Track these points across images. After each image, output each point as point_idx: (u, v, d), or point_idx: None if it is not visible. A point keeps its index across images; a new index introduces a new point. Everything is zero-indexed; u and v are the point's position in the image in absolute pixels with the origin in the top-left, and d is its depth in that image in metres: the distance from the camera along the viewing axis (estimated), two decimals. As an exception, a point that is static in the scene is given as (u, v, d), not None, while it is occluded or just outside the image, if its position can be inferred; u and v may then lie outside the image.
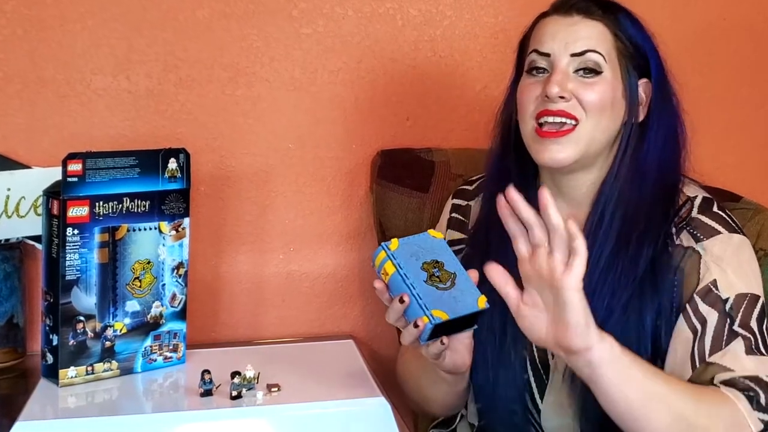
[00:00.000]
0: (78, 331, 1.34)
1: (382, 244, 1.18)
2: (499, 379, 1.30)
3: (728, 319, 1.20)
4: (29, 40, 1.56)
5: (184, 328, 1.44)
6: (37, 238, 1.50)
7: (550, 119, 1.24)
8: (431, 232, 1.21)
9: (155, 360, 1.42)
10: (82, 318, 1.34)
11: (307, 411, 1.28)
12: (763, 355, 1.18)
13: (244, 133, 1.65)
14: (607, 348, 1.09)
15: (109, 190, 1.33)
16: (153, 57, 1.60)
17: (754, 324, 1.20)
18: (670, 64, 1.31)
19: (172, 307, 1.43)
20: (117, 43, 1.59)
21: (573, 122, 1.23)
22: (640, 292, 1.23)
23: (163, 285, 1.41)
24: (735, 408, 1.13)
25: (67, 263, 1.31)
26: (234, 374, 1.28)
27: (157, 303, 1.41)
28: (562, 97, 1.23)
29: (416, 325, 1.13)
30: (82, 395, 1.32)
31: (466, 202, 1.44)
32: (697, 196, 1.29)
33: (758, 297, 1.22)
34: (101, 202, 1.33)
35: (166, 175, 1.39)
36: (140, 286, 1.39)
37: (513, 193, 1.08)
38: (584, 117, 1.24)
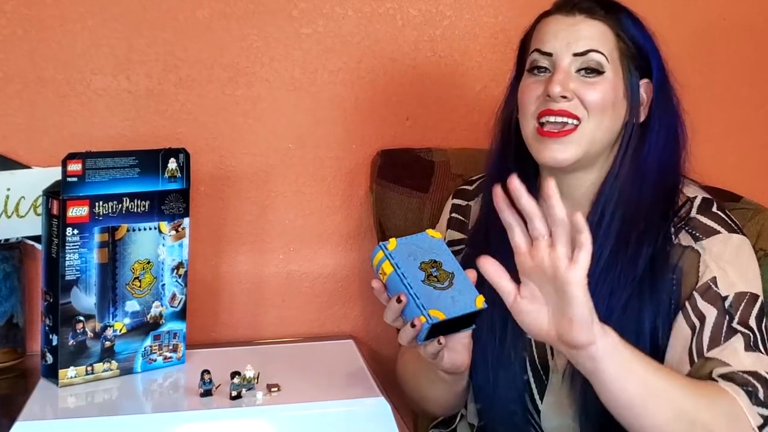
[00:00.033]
0: (78, 331, 1.34)
1: (380, 243, 1.17)
2: (499, 380, 1.30)
3: (727, 316, 1.19)
4: (29, 40, 1.56)
5: (183, 328, 1.44)
6: (36, 238, 1.50)
7: (552, 119, 1.24)
8: (429, 231, 1.21)
9: (155, 360, 1.42)
10: (81, 318, 1.34)
11: (307, 411, 1.28)
12: (762, 353, 1.18)
13: (244, 133, 1.65)
14: (609, 342, 1.08)
15: (108, 190, 1.33)
16: (153, 57, 1.60)
17: (753, 322, 1.20)
18: (670, 64, 1.31)
19: (171, 307, 1.43)
20: (117, 43, 1.59)
21: (575, 122, 1.23)
22: (639, 292, 1.23)
23: (163, 285, 1.41)
24: (734, 403, 1.12)
25: (67, 263, 1.31)
26: (234, 374, 1.28)
27: (156, 303, 1.41)
28: (564, 97, 1.23)
29: (413, 325, 1.13)
30: (81, 395, 1.32)
31: (466, 202, 1.44)
32: (696, 196, 1.29)
33: (757, 296, 1.22)
34: (101, 202, 1.33)
35: (166, 175, 1.39)
36: (140, 286, 1.39)
37: (516, 182, 1.06)
38: (586, 117, 1.24)
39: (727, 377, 1.15)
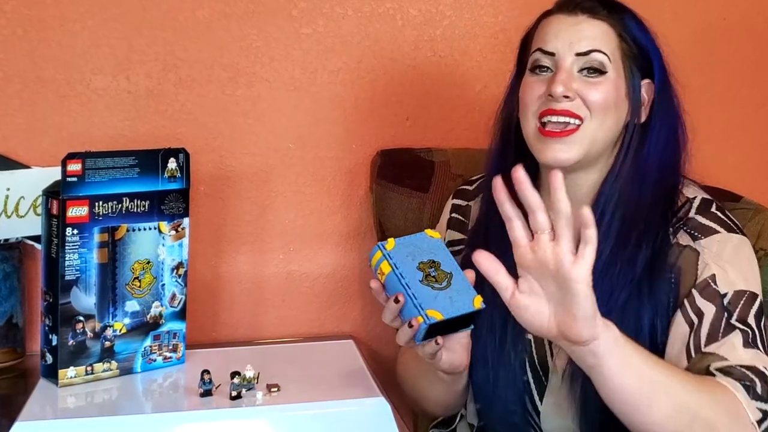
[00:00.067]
0: (77, 331, 1.34)
1: (379, 243, 1.17)
2: (499, 380, 1.30)
3: (726, 313, 1.19)
4: (29, 40, 1.56)
5: (183, 328, 1.44)
6: (36, 238, 1.50)
7: (554, 119, 1.23)
8: (428, 231, 1.21)
9: (155, 360, 1.42)
10: (81, 318, 1.34)
11: (306, 411, 1.28)
12: (760, 350, 1.18)
13: (244, 133, 1.65)
14: (611, 336, 1.07)
15: (108, 190, 1.33)
16: (153, 57, 1.60)
17: (752, 320, 1.20)
18: (670, 64, 1.31)
19: (171, 307, 1.43)
20: (117, 43, 1.59)
21: (577, 122, 1.23)
22: (637, 292, 1.23)
23: (163, 285, 1.41)
24: (733, 398, 1.12)
25: (67, 263, 1.31)
26: (234, 374, 1.28)
27: (156, 303, 1.41)
28: (566, 97, 1.23)
29: (411, 325, 1.13)
30: (81, 395, 1.32)
31: (466, 203, 1.44)
32: (696, 197, 1.29)
33: (756, 295, 1.22)
34: (101, 202, 1.33)
35: (166, 175, 1.39)
36: (140, 286, 1.39)
37: (521, 172, 1.03)
38: (588, 117, 1.24)
39: (725, 371, 1.14)
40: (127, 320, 1.38)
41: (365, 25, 1.67)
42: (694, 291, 1.21)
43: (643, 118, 1.28)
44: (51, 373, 1.34)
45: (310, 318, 1.72)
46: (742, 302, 1.20)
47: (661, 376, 1.11)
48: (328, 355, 1.56)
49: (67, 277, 1.32)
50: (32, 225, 1.51)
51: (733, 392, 1.12)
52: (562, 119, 1.23)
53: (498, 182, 1.04)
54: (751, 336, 1.18)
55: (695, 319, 1.20)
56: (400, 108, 1.71)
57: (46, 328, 1.35)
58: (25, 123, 1.57)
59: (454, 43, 1.71)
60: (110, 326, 1.37)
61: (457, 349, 1.22)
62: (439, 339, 1.16)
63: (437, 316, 1.12)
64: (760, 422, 1.12)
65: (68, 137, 1.57)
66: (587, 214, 1.01)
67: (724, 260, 1.23)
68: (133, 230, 1.37)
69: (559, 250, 1.02)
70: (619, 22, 1.26)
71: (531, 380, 1.30)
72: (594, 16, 1.25)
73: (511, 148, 1.32)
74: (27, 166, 1.55)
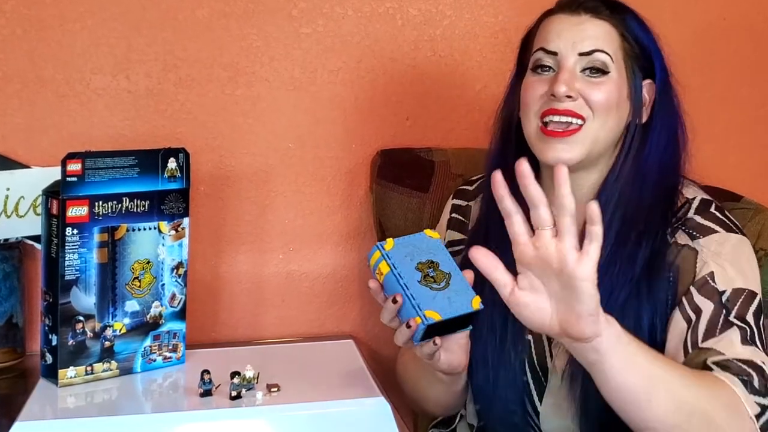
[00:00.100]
0: (77, 331, 1.34)
1: (377, 243, 1.17)
2: (499, 380, 1.29)
3: (724, 310, 1.19)
4: (29, 40, 1.56)
5: (183, 328, 1.44)
6: (36, 238, 1.50)
7: (556, 118, 1.23)
8: (427, 232, 1.21)
9: (155, 360, 1.42)
10: (81, 318, 1.34)
11: (306, 411, 1.28)
12: (758, 348, 1.18)
13: (243, 133, 1.65)
14: (613, 333, 1.06)
15: (108, 190, 1.33)
16: (152, 56, 1.60)
17: (750, 318, 1.19)
18: (671, 64, 1.31)
19: (171, 307, 1.43)
20: (116, 42, 1.59)
21: (580, 122, 1.23)
22: (637, 291, 1.22)
23: (163, 285, 1.41)
24: (731, 392, 1.12)
25: (67, 263, 1.31)
26: (233, 374, 1.28)
27: (156, 303, 1.41)
28: (569, 97, 1.22)
29: (409, 326, 1.13)
30: (81, 395, 1.32)
31: (466, 203, 1.44)
32: (695, 197, 1.29)
33: (755, 294, 1.22)
34: (100, 202, 1.33)
35: (166, 174, 1.39)
36: (140, 286, 1.39)
37: (525, 165, 1.00)
38: (591, 117, 1.23)
39: (722, 365, 1.14)
40: (126, 320, 1.38)
41: (365, 25, 1.67)
42: (692, 288, 1.21)
43: (644, 119, 1.28)
44: (51, 373, 1.34)
45: (310, 318, 1.72)
46: (740, 300, 1.20)
47: (661, 371, 1.10)
48: (328, 355, 1.56)
49: (67, 277, 1.32)
50: (32, 225, 1.51)
51: (731, 387, 1.12)
52: (564, 119, 1.23)
53: (498, 177, 1.02)
54: (749, 333, 1.18)
55: (693, 316, 1.20)
56: (400, 108, 1.71)
57: (46, 328, 1.35)
58: (24, 123, 1.57)
59: (454, 43, 1.71)
60: (110, 326, 1.37)
61: (455, 349, 1.21)
62: (438, 339, 1.16)
63: (435, 316, 1.12)
64: (758, 416, 1.12)
65: (68, 137, 1.57)
66: (594, 209, 0.99)
67: (723, 258, 1.23)
68: (133, 230, 1.37)
69: (563, 247, 1.00)
70: (622, 22, 1.26)
71: (530, 381, 1.30)
72: (597, 15, 1.25)
73: (511, 148, 1.32)
74: (27, 166, 1.55)
